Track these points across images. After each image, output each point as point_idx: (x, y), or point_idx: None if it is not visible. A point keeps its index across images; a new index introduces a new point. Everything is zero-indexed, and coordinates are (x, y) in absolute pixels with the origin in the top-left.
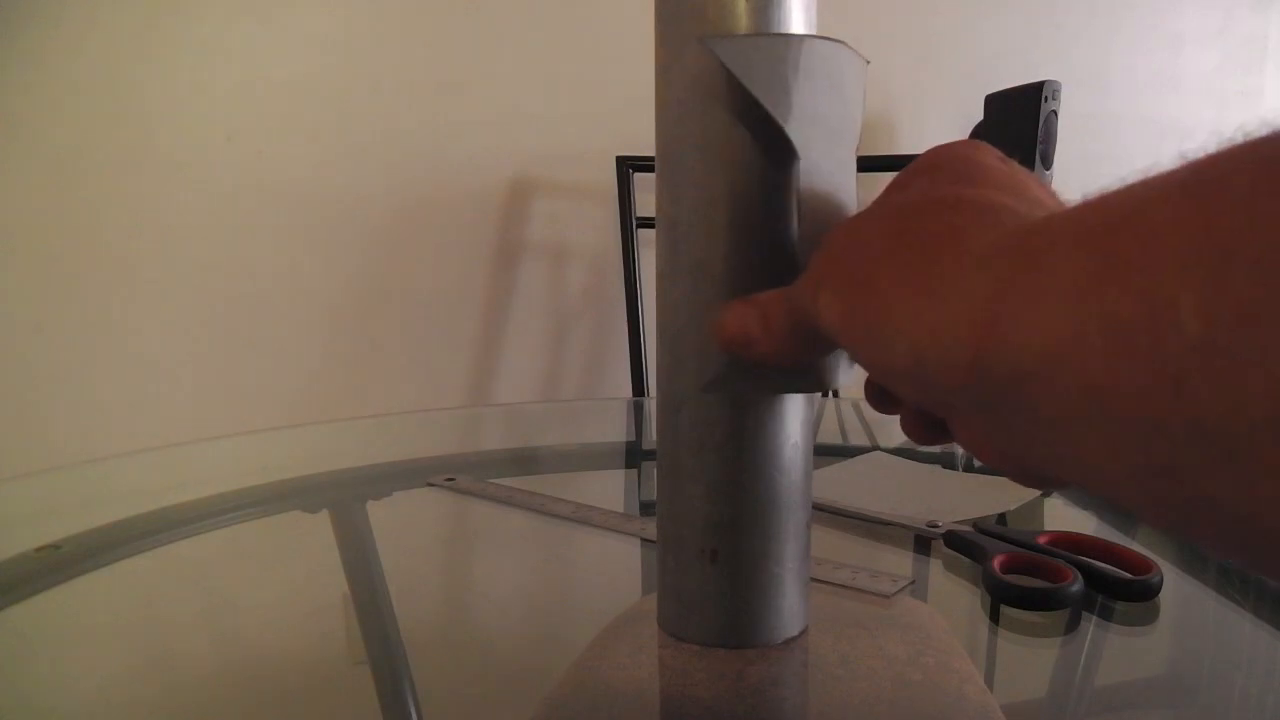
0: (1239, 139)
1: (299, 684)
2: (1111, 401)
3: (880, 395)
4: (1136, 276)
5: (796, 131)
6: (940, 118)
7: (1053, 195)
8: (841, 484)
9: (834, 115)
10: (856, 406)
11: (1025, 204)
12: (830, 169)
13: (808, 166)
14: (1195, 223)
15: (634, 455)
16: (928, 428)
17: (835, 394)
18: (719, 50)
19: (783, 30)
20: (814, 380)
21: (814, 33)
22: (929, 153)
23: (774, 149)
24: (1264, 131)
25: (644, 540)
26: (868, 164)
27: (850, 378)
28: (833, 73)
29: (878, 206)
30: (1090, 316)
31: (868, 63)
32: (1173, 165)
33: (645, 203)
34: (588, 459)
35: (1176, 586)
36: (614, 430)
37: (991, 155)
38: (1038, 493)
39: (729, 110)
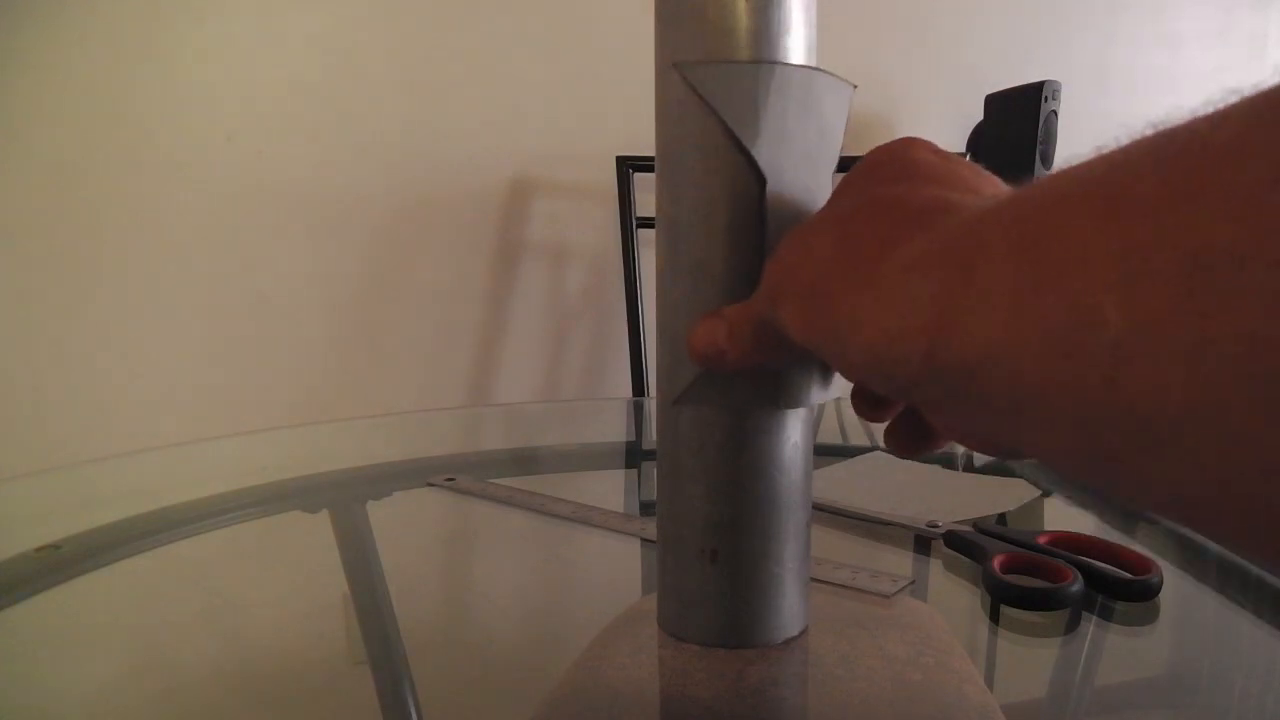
0: (1159, 127)
1: (299, 684)
2: (1052, 395)
3: (867, 403)
4: (1063, 287)
5: (764, 155)
6: (940, 118)
7: (988, 180)
8: (841, 484)
9: (808, 140)
10: None
11: (961, 193)
12: (801, 191)
13: (776, 188)
14: (1111, 236)
15: (634, 455)
16: (911, 440)
17: None
18: (691, 76)
19: (781, 32)
20: (784, 398)
21: (792, 61)
22: (868, 155)
23: (747, 168)
24: (1164, 125)
25: (644, 540)
26: None
27: (823, 397)
28: (808, 99)
29: (823, 215)
30: (1026, 322)
31: (854, 87)
32: (1091, 159)
33: (645, 203)
34: (588, 459)
35: (1176, 586)
36: (614, 430)
37: (926, 150)
38: (1038, 493)
39: (708, 130)
